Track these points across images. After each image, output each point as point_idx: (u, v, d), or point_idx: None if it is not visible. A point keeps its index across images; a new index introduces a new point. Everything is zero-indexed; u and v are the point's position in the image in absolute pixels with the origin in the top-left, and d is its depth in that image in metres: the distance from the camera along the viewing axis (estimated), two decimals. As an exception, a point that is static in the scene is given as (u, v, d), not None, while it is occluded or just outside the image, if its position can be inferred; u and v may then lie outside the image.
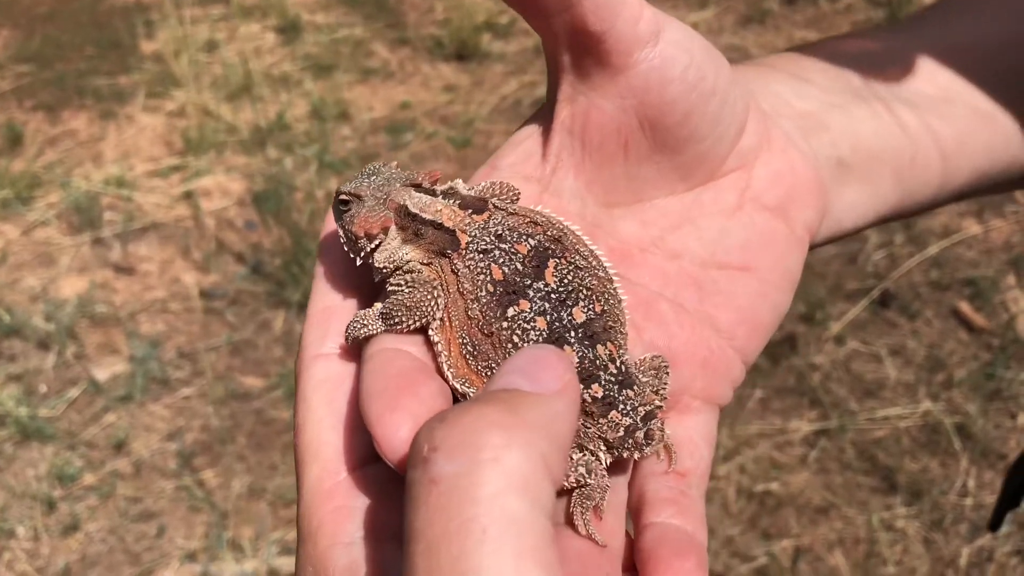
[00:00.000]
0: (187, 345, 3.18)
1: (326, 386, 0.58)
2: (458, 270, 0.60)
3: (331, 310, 0.61)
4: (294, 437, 0.57)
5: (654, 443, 0.60)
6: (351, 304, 0.62)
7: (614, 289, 0.62)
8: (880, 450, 2.73)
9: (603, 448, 0.60)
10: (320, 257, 0.65)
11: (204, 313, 3.28)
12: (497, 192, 0.64)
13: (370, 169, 0.65)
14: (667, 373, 0.62)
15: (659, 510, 0.59)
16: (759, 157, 0.67)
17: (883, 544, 2.50)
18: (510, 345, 0.59)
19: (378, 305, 0.60)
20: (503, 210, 0.62)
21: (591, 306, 0.60)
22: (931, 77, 0.81)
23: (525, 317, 0.59)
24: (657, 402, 0.61)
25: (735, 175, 0.67)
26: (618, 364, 0.60)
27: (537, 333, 0.59)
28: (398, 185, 0.63)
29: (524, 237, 0.61)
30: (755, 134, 0.67)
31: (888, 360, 2.98)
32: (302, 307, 3.26)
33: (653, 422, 0.60)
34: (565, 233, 0.62)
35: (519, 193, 0.64)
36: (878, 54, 0.81)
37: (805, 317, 3.11)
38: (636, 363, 0.62)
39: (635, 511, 0.61)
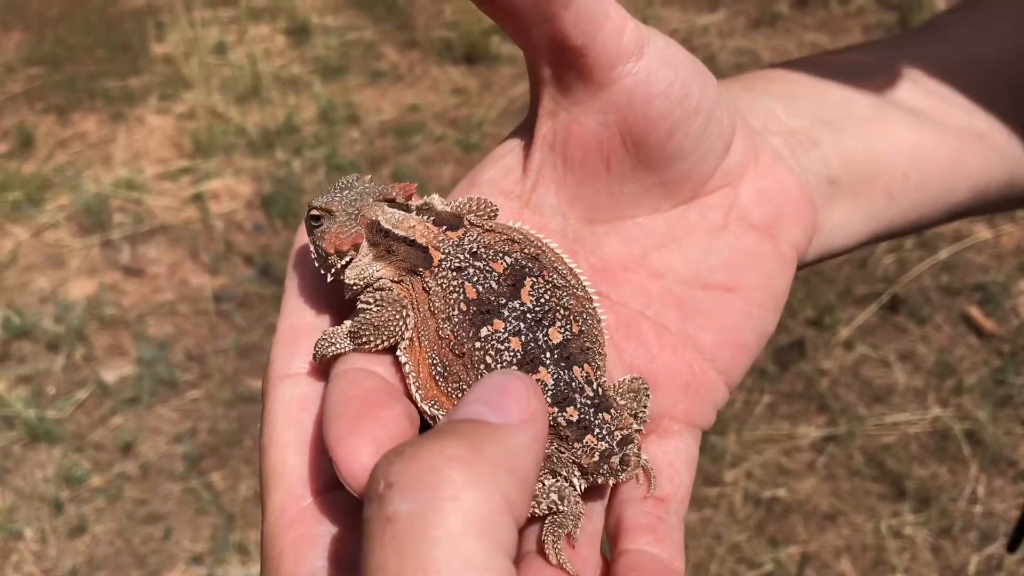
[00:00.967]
0: (195, 347, 3.19)
1: (292, 407, 0.56)
2: (429, 288, 0.59)
3: (300, 328, 0.60)
4: (259, 459, 0.56)
5: (630, 469, 0.59)
6: (321, 322, 0.61)
7: (593, 309, 0.60)
8: (889, 456, 2.72)
9: (577, 474, 0.58)
10: (291, 272, 0.63)
11: (212, 315, 3.29)
12: (474, 208, 0.62)
13: (343, 183, 0.63)
14: (647, 396, 0.60)
15: (636, 537, 0.58)
16: (745, 175, 0.66)
17: (891, 551, 2.48)
18: (483, 366, 0.57)
19: (347, 323, 0.59)
20: (479, 227, 0.61)
21: (568, 326, 0.59)
22: (925, 93, 0.80)
23: (499, 337, 0.57)
24: (636, 426, 0.59)
25: (721, 193, 0.66)
26: (595, 387, 0.59)
27: (511, 354, 0.57)
28: (371, 200, 0.61)
29: (500, 255, 0.59)
30: (742, 151, 0.65)
31: (897, 365, 2.97)
32: (310, 310, 3.26)
33: (630, 447, 0.59)
34: (543, 251, 0.60)
35: (497, 209, 0.63)
36: (871, 69, 0.79)
37: (814, 322, 3.09)
38: (615, 385, 0.61)
39: (612, 537, 0.60)
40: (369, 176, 0.64)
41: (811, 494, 2.65)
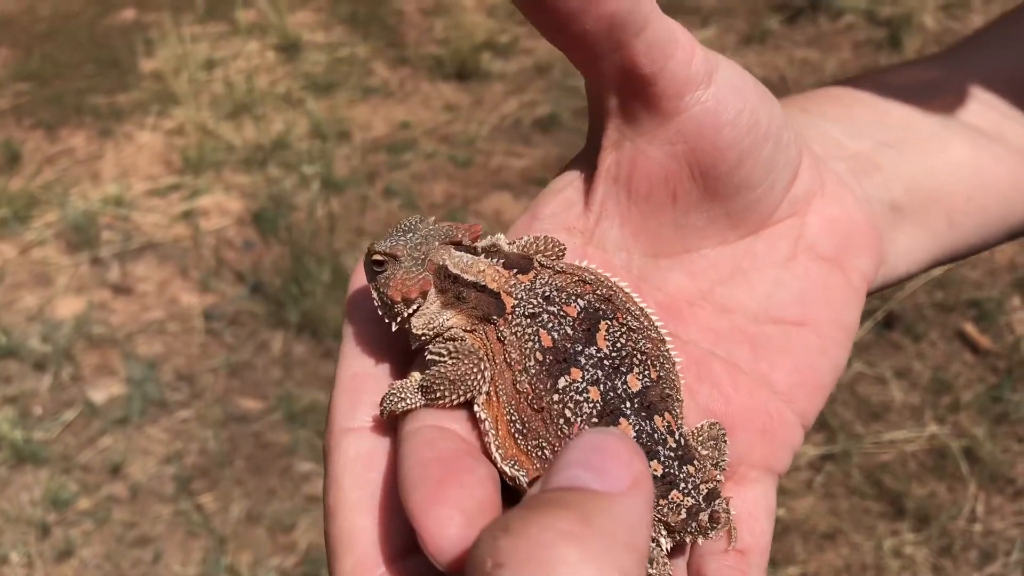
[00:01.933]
0: (185, 367, 3.15)
1: (358, 465, 0.53)
2: (504, 337, 0.56)
3: (362, 378, 0.57)
4: (324, 522, 0.53)
5: (719, 526, 0.55)
6: (383, 371, 0.57)
7: (667, 351, 0.57)
8: (887, 474, 2.70)
9: (664, 533, 0.55)
10: (349, 317, 0.60)
11: (202, 334, 3.25)
12: (541, 248, 0.59)
13: (405, 225, 0.60)
14: (725, 442, 0.58)
15: None
16: (812, 203, 0.64)
17: (892, 571, 2.46)
18: (562, 420, 0.54)
19: (416, 376, 0.55)
20: (549, 268, 0.58)
21: (646, 372, 0.56)
22: (983, 111, 0.78)
23: (577, 388, 0.54)
24: (718, 477, 0.56)
25: (788, 222, 0.64)
26: (677, 436, 0.55)
27: (591, 405, 0.54)
28: (436, 243, 0.58)
29: (573, 298, 0.56)
30: (808, 179, 0.63)
31: (893, 382, 2.95)
32: (301, 328, 3.23)
33: (717, 502, 0.56)
34: (615, 291, 0.58)
35: (564, 248, 0.60)
36: (927, 86, 0.77)
37: (809, 339, 3.08)
38: (693, 433, 0.58)
39: None
40: (433, 217, 0.60)
41: (810, 513, 2.62)
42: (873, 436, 2.80)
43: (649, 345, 0.57)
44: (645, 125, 0.58)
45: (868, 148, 0.70)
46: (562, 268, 0.58)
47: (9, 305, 3.38)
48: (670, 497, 0.55)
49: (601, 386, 0.55)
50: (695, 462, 0.56)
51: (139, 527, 2.70)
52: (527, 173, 3.90)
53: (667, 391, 0.56)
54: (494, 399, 0.55)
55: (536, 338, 0.55)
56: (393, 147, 4.05)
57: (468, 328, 0.57)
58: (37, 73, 4.61)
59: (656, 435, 0.55)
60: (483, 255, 0.58)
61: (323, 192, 3.78)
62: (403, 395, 0.54)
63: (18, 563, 2.62)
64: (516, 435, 0.54)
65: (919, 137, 0.73)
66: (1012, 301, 3.17)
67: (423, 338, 0.57)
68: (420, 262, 0.57)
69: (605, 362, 0.55)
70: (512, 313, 0.56)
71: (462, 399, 0.54)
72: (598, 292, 0.57)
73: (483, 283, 0.57)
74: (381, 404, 0.54)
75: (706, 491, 0.55)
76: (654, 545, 0.55)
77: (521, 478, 0.54)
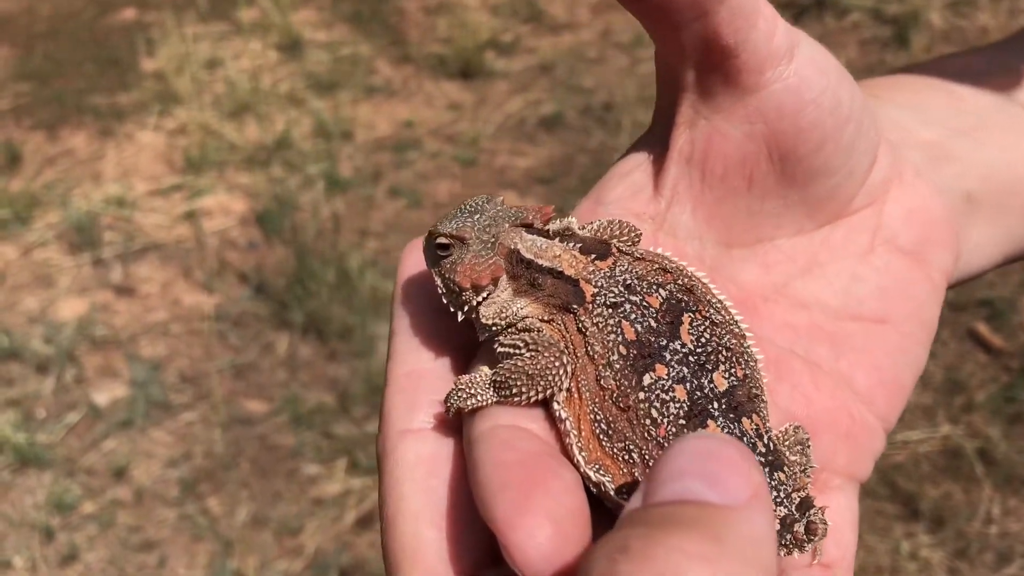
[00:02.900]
0: (189, 368, 3.11)
1: (419, 470, 0.49)
2: (586, 329, 0.51)
3: (419, 374, 0.52)
4: (382, 534, 0.48)
5: (816, 538, 0.51)
6: (443, 366, 0.53)
7: (749, 348, 0.54)
8: (900, 475, 2.67)
9: None
10: (400, 307, 0.55)
11: (207, 336, 3.22)
12: (617, 232, 0.55)
13: (471, 205, 0.55)
14: (810, 447, 0.54)
15: None
16: (889, 192, 0.61)
17: (908, 574, 2.43)
18: (648, 421, 0.50)
19: (486, 370, 0.51)
20: (628, 255, 0.54)
21: (732, 370, 0.52)
22: None
23: (663, 385, 0.50)
24: (808, 484, 0.53)
25: (866, 212, 0.60)
26: (766, 441, 0.52)
27: (677, 405, 0.50)
28: (507, 225, 0.54)
29: (655, 287, 0.52)
30: (886, 166, 0.60)
31: (906, 383, 2.93)
32: (306, 329, 3.20)
33: (812, 512, 0.52)
34: (695, 282, 0.54)
35: (640, 234, 0.56)
36: (1001, 72, 0.73)
37: (820, 339, 3.05)
38: (778, 436, 0.54)
39: None
40: (501, 197, 0.56)
41: (823, 515, 2.60)
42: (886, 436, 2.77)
43: (733, 341, 0.53)
44: (723, 102, 0.55)
45: (941, 136, 0.67)
46: (641, 255, 0.54)
47: (11, 307, 3.35)
48: None
49: (687, 384, 0.51)
50: (785, 468, 0.52)
51: (144, 531, 2.67)
52: (532, 172, 3.87)
53: (754, 391, 0.53)
54: (576, 396, 0.51)
55: (619, 330, 0.51)
56: (397, 146, 4.02)
57: (545, 318, 0.53)
58: (37, 73, 4.58)
59: (746, 439, 0.51)
60: (557, 239, 0.54)
61: (327, 192, 3.75)
62: (473, 390, 0.50)
63: (22, 568, 2.59)
64: (601, 436, 0.50)
65: (994, 125, 0.69)
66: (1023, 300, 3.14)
67: (493, 328, 0.53)
68: (490, 245, 0.53)
69: (690, 358, 0.51)
70: (592, 302, 0.52)
71: (541, 396, 0.50)
72: (679, 282, 0.53)
73: (560, 269, 0.52)
74: (447, 401, 0.50)
75: (799, 500, 0.52)
76: None
77: (607, 484, 0.50)
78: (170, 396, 3.02)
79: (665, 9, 0.51)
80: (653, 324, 0.52)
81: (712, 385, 0.51)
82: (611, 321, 0.51)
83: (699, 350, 0.52)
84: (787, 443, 0.54)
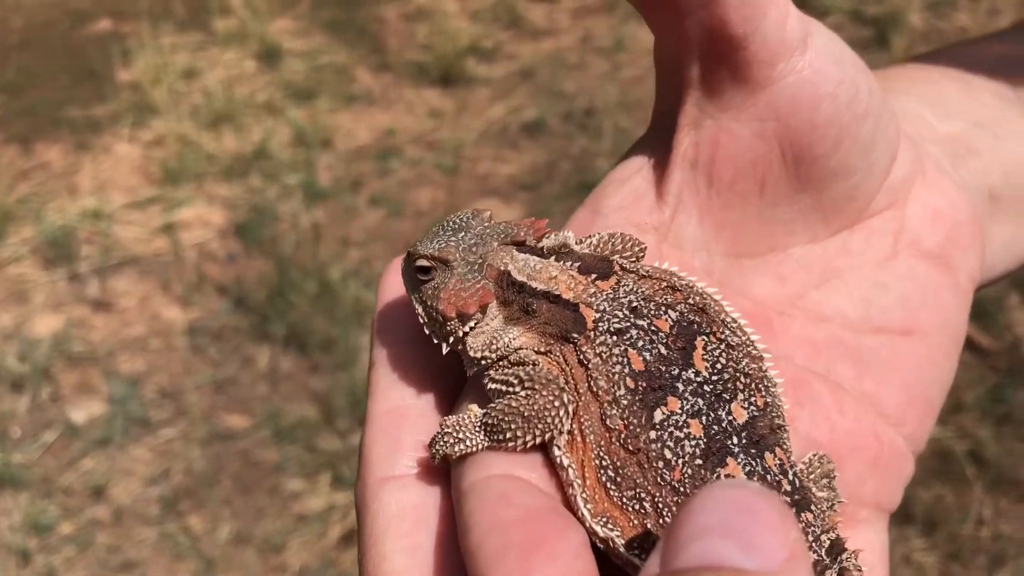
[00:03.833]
0: (168, 384, 3.06)
1: (404, 523, 0.43)
2: (588, 360, 0.46)
3: (402, 413, 0.47)
4: None
5: None
6: (428, 404, 0.48)
7: (768, 371, 0.49)
8: (891, 479, 2.65)
9: None
10: (380, 338, 0.49)
11: (186, 350, 3.16)
12: (618, 247, 0.50)
13: (455, 223, 0.49)
14: (835, 478, 0.49)
15: None
16: (912, 192, 0.56)
17: (901, 579, 2.41)
18: (661, 463, 0.44)
19: (476, 409, 0.45)
20: (633, 272, 0.48)
21: (752, 399, 0.46)
22: None
23: (676, 421, 0.45)
24: (839, 523, 0.48)
25: (886, 214, 0.56)
26: (791, 477, 0.47)
27: (693, 443, 0.44)
28: (495, 244, 0.48)
29: (663, 309, 0.47)
30: (908, 164, 0.55)
31: (894, 385, 2.91)
32: (287, 341, 3.14)
33: (844, 557, 0.47)
34: (707, 300, 0.48)
35: (645, 248, 0.51)
36: (1011, 62, 0.69)
37: (808, 342, 3.03)
38: (803, 469, 0.49)
39: None
40: (488, 212, 0.50)
41: (815, 521, 2.57)
42: (876, 440, 2.75)
43: (752, 365, 0.48)
44: (731, 98, 0.50)
45: (961, 130, 0.62)
46: (647, 272, 0.49)
47: (-15, 324, 3.28)
48: None
49: (703, 418, 0.45)
50: (812, 507, 0.47)
51: (123, 551, 2.61)
52: (515, 179, 3.84)
53: (776, 420, 0.48)
54: (578, 439, 0.45)
55: (626, 360, 0.45)
56: (378, 155, 3.98)
57: (541, 349, 0.47)
58: (10, 86, 4.51)
59: (769, 476, 0.46)
60: (552, 257, 0.49)
61: (307, 202, 3.70)
62: (461, 434, 0.44)
63: (-3, 592, 2.53)
64: (608, 484, 0.44)
65: (1015, 117, 0.65)
66: (1010, 300, 3.13)
67: (483, 362, 0.48)
68: (477, 268, 0.48)
69: (706, 388, 0.46)
70: (594, 329, 0.46)
71: (538, 440, 0.44)
72: (690, 301, 0.48)
73: (556, 292, 0.47)
74: (432, 446, 0.45)
75: (829, 543, 0.47)
76: None
77: (616, 539, 0.44)
78: (149, 412, 2.96)
79: None
80: (663, 351, 0.46)
81: (731, 417, 0.46)
82: (616, 350, 0.46)
83: (715, 378, 0.47)
84: (812, 476, 0.49)
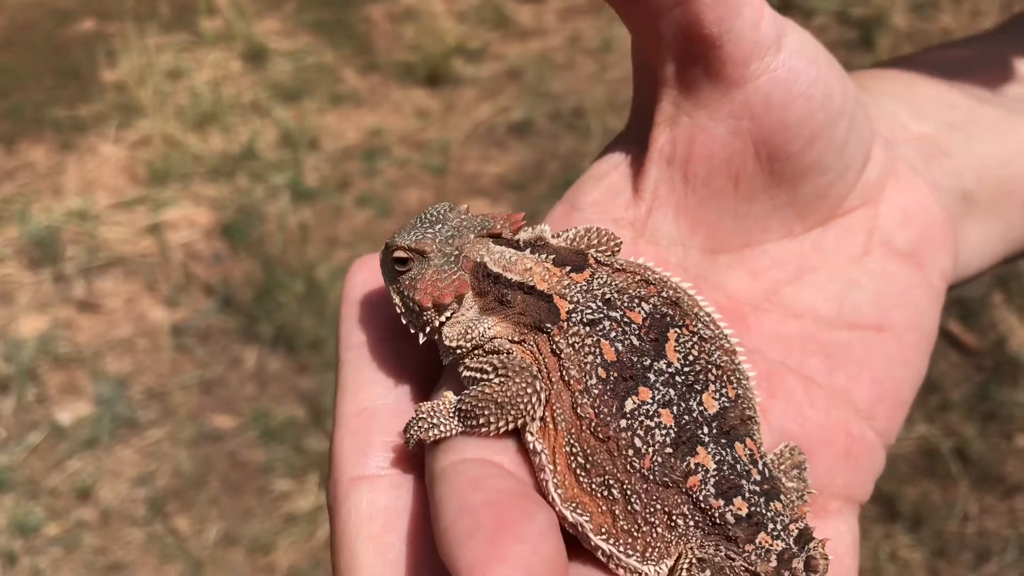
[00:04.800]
0: (155, 384, 3.04)
1: (375, 524, 0.44)
2: (560, 350, 0.47)
3: (372, 413, 0.47)
4: None
5: (817, 575, 0.48)
6: (398, 402, 0.48)
7: (741, 364, 0.50)
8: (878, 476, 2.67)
9: None
10: (347, 335, 0.50)
11: (173, 350, 3.15)
12: (594, 241, 0.51)
13: (432, 215, 0.50)
14: (806, 469, 0.51)
15: None
16: (885, 191, 0.57)
17: (888, 575, 2.42)
18: (631, 452, 0.45)
19: (451, 396, 0.46)
20: (607, 265, 0.49)
21: (723, 390, 0.48)
22: None
23: (647, 411, 0.46)
24: (807, 512, 0.49)
25: (860, 212, 0.57)
26: (760, 467, 0.48)
27: (663, 432, 0.46)
28: (472, 236, 0.49)
29: (637, 301, 0.48)
30: (881, 163, 0.56)
31: (880, 383, 2.93)
32: (275, 342, 3.14)
33: (812, 546, 0.48)
34: (681, 294, 0.50)
35: (620, 242, 0.52)
36: (991, 64, 0.70)
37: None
38: (773, 460, 0.51)
39: None
40: (465, 205, 0.51)
41: (802, 518, 2.59)
42: (862, 438, 2.77)
43: (724, 357, 0.49)
44: (706, 97, 0.51)
45: (935, 131, 0.64)
46: (621, 266, 0.50)
47: (-31, 325, 3.26)
48: (758, 541, 0.47)
49: (674, 408, 0.47)
50: (782, 497, 0.48)
51: (111, 553, 2.59)
52: (503, 179, 3.84)
53: (747, 412, 0.49)
54: (550, 426, 0.46)
55: (598, 350, 0.47)
56: (365, 155, 3.98)
57: (515, 338, 0.48)
58: (-5, 85, 4.48)
59: (739, 466, 0.47)
60: (528, 250, 0.50)
61: (294, 202, 3.69)
62: (436, 419, 0.45)
63: (-17, 595, 2.51)
64: (578, 471, 0.45)
65: (988, 118, 0.66)
66: (994, 299, 3.15)
67: (459, 351, 0.49)
68: (453, 259, 0.49)
69: (677, 379, 0.47)
70: (568, 320, 0.48)
71: (511, 426, 0.46)
72: (664, 294, 0.49)
73: (531, 283, 0.48)
74: (406, 431, 0.45)
75: (797, 532, 0.48)
76: None
77: (584, 524, 0.45)
78: (136, 413, 2.95)
79: None
80: (635, 342, 0.47)
81: (702, 408, 0.47)
82: (589, 340, 0.47)
83: (687, 369, 0.48)
84: (783, 467, 0.51)
